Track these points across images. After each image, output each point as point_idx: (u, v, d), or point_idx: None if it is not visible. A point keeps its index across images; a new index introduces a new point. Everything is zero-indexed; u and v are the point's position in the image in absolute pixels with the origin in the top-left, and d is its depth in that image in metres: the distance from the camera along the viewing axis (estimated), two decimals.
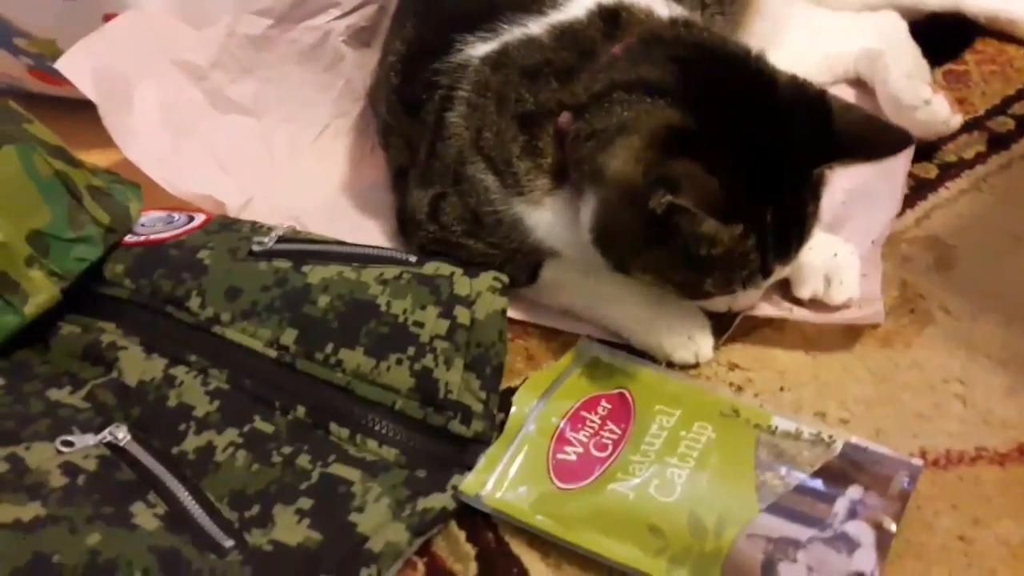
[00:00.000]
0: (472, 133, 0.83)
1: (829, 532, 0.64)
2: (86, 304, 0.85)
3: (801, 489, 0.66)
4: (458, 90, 0.84)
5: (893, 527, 0.64)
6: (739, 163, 0.71)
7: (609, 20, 0.83)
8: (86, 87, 0.90)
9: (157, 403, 0.78)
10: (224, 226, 0.90)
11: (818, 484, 0.67)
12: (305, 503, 0.71)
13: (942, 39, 1.07)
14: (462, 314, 0.77)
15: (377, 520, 0.69)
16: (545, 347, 0.84)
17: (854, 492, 0.66)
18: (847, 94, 1.04)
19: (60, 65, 0.90)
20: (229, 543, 0.68)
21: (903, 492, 0.67)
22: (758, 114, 0.74)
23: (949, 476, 0.72)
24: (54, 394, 0.78)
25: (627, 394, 0.75)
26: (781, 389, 0.79)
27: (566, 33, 0.82)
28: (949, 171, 0.96)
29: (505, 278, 0.79)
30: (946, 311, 0.84)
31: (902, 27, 1.05)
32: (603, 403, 0.75)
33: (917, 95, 0.96)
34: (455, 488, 0.71)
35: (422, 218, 0.87)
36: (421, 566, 0.70)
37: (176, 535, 0.68)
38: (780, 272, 0.78)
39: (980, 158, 0.97)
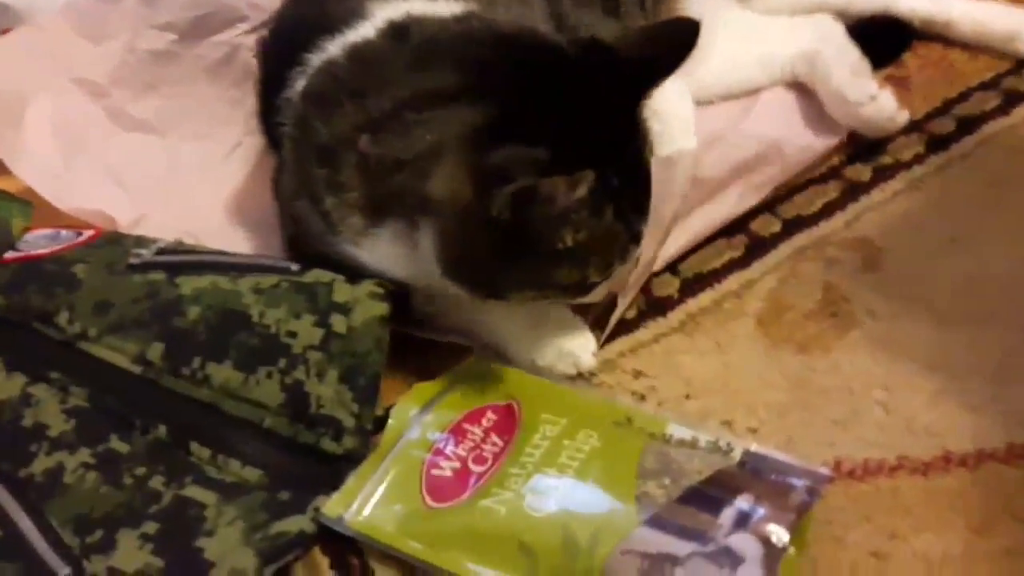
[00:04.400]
0: (296, 171, 0.77)
1: (711, 546, 0.57)
2: None
3: (685, 499, 0.60)
4: (286, 127, 0.78)
5: (785, 540, 0.57)
6: (559, 133, 0.66)
7: (399, 35, 0.75)
8: None
9: (12, 423, 0.72)
10: (110, 241, 0.85)
11: (705, 494, 0.60)
12: (151, 527, 0.65)
13: (879, 44, 1.02)
14: (337, 322, 0.71)
15: (226, 546, 0.63)
16: (442, 364, 0.77)
17: (743, 502, 0.59)
18: (785, 97, 0.98)
19: None
20: (65, 571, 0.63)
21: (802, 504, 0.60)
22: (556, 83, 0.69)
23: (865, 487, 0.65)
24: None
25: (515, 405, 0.69)
26: (687, 397, 0.73)
27: (358, 52, 0.74)
28: (884, 173, 0.91)
29: (387, 284, 0.73)
30: (871, 314, 0.77)
31: (839, 28, 1.00)
32: (488, 414, 0.69)
33: (863, 91, 0.91)
34: (316, 510, 0.65)
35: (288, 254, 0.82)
36: None
37: (9, 563, 0.63)
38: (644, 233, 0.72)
39: (918, 159, 0.92)
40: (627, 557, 0.57)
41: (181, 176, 0.99)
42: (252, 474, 0.69)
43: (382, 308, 0.72)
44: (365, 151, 0.71)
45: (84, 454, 0.70)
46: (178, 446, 0.71)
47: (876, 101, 0.91)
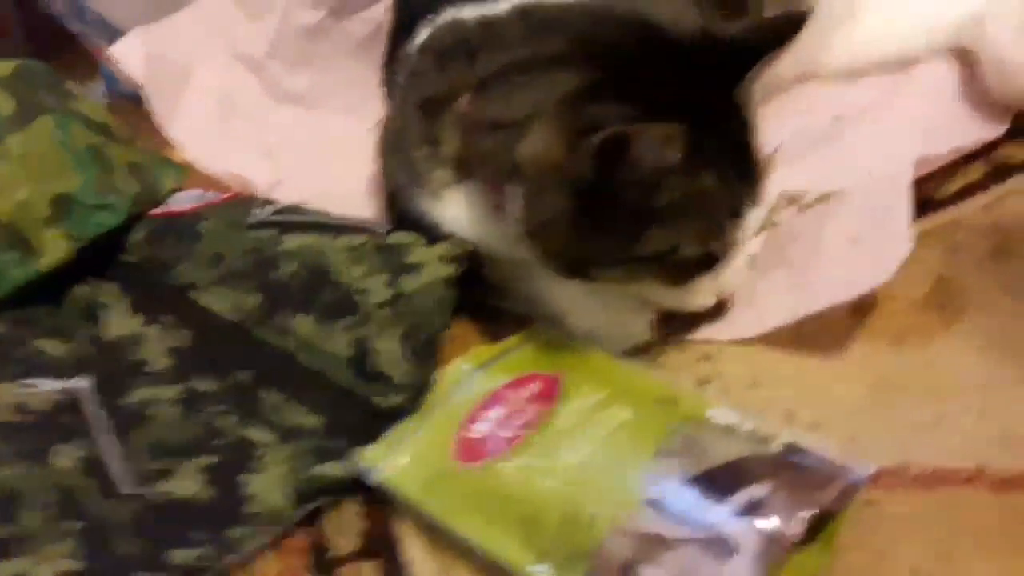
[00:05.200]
0: (398, 121, 0.79)
1: (707, 532, 0.52)
2: (106, 268, 0.90)
3: (695, 481, 0.55)
4: (400, 78, 0.80)
5: (795, 535, 0.51)
6: (655, 99, 0.63)
7: (524, 15, 0.74)
8: (133, 70, 0.96)
9: (123, 357, 0.80)
10: (241, 202, 0.91)
11: (718, 478, 0.55)
12: (210, 460, 0.69)
13: None
14: (406, 282, 0.73)
15: (267, 483, 0.67)
16: (510, 331, 0.76)
17: (758, 490, 0.54)
18: (945, 72, 0.88)
19: (114, 49, 0.96)
20: (127, 491, 0.68)
21: (832, 502, 0.54)
22: (657, 58, 0.67)
23: (930, 498, 0.58)
24: (44, 343, 0.83)
25: (561, 375, 0.67)
26: (753, 385, 0.67)
27: (484, 19, 0.75)
28: None
29: (464, 247, 0.73)
30: (987, 309, 0.68)
31: None
32: (535, 383, 0.67)
33: None
34: (354, 459, 0.67)
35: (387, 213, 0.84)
36: (304, 536, 0.65)
37: (86, 477, 0.69)
38: (752, 216, 0.68)
39: None
40: (622, 536, 0.54)
41: (326, 147, 1.05)
42: (312, 421, 0.72)
43: (449, 270, 0.72)
44: (466, 110, 0.72)
45: (174, 390, 0.76)
46: (255, 390, 0.75)
47: None
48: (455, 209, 0.74)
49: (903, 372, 0.66)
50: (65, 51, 1.13)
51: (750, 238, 0.70)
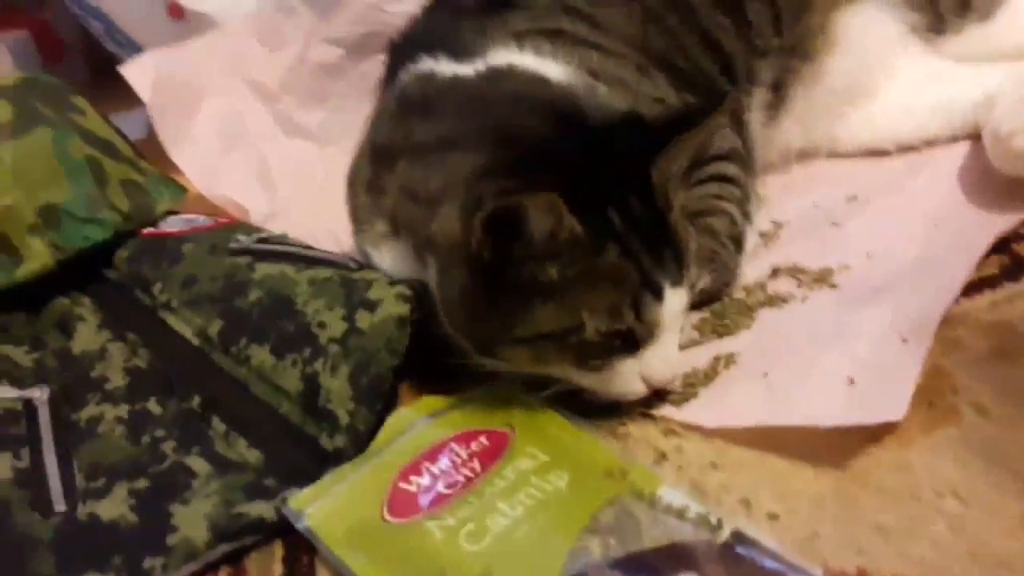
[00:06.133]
0: (357, 159, 0.79)
1: None
2: (89, 283, 0.89)
3: (620, 563, 0.51)
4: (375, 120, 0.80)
5: None
6: (554, 175, 0.61)
7: (490, 80, 0.72)
8: (142, 90, 0.96)
9: (84, 372, 0.79)
10: (230, 228, 0.90)
11: (645, 562, 0.51)
12: (142, 484, 0.67)
13: None
14: (362, 318, 0.70)
15: (193, 515, 0.64)
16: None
17: None
18: (962, 157, 0.84)
19: (125, 69, 0.97)
20: (60, 508, 0.66)
21: None
22: (572, 140, 0.64)
23: None
24: (8, 350, 0.82)
25: (509, 433, 0.64)
26: (713, 466, 0.63)
27: (454, 79, 0.73)
28: None
29: (416, 287, 0.71)
30: (980, 412, 0.63)
31: None
32: (481, 439, 0.64)
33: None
34: (284, 500, 0.63)
35: None
36: (223, 575, 0.62)
37: (20, 489, 0.67)
38: (674, 298, 0.63)
39: None
40: None
41: (329, 186, 1.04)
42: (253, 455, 0.69)
43: (403, 309, 0.70)
44: (401, 171, 0.71)
45: (122, 409, 0.74)
46: (202, 418, 0.73)
47: None
48: (390, 261, 0.73)
49: (875, 470, 0.60)
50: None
51: (677, 322, 0.65)
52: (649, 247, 0.62)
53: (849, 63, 0.85)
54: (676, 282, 0.63)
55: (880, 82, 0.86)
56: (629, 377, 0.64)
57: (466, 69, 0.74)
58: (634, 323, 0.62)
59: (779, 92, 0.86)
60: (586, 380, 0.65)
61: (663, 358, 0.64)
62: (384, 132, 0.75)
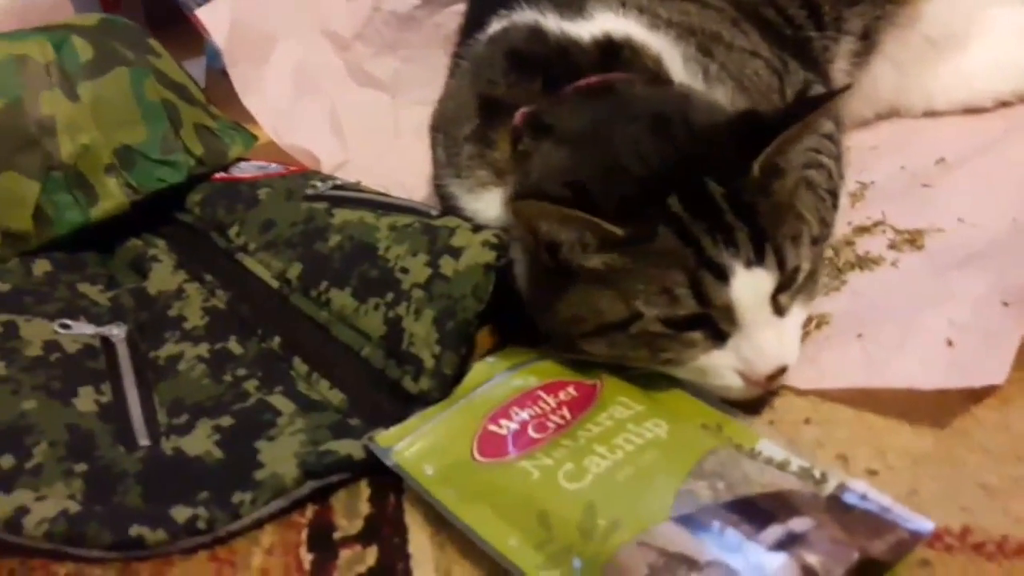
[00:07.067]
0: (454, 104, 0.77)
1: (738, 560, 0.47)
2: (162, 225, 0.89)
3: (732, 506, 0.50)
4: (466, 61, 0.78)
5: None
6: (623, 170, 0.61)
7: (608, 53, 0.71)
8: (217, 36, 0.95)
9: (161, 311, 0.79)
10: (304, 175, 0.90)
11: (757, 506, 0.50)
12: (226, 421, 0.67)
13: None
14: (446, 264, 0.69)
15: (280, 452, 0.64)
16: None
17: (799, 524, 0.48)
18: None
19: (201, 12, 0.96)
20: (144, 443, 0.66)
21: (883, 551, 0.48)
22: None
23: (991, 568, 0.51)
24: (85, 288, 0.82)
25: (598, 384, 0.63)
26: (806, 421, 0.62)
27: (568, 46, 0.72)
28: None
29: (499, 236, 0.70)
30: None
31: None
32: (569, 389, 0.63)
33: None
34: (371, 438, 0.63)
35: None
36: (309, 512, 0.62)
37: (104, 423, 0.67)
38: (750, 279, 0.59)
39: None
40: (642, 550, 0.49)
41: (400, 135, 1.03)
42: (336, 396, 0.69)
43: (489, 257, 0.69)
44: (517, 125, 0.70)
45: (203, 348, 0.74)
46: (283, 358, 0.73)
47: None
48: (493, 211, 0.72)
49: (976, 428, 0.59)
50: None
51: (764, 308, 0.59)
52: (717, 229, 0.58)
53: (945, 9, 0.83)
54: (752, 263, 0.58)
55: (974, 33, 0.84)
56: (722, 372, 0.60)
57: (579, 31, 0.72)
58: (700, 308, 0.59)
59: (868, 39, 0.85)
60: (681, 375, 0.62)
61: (758, 349, 0.59)
62: (491, 84, 0.73)
